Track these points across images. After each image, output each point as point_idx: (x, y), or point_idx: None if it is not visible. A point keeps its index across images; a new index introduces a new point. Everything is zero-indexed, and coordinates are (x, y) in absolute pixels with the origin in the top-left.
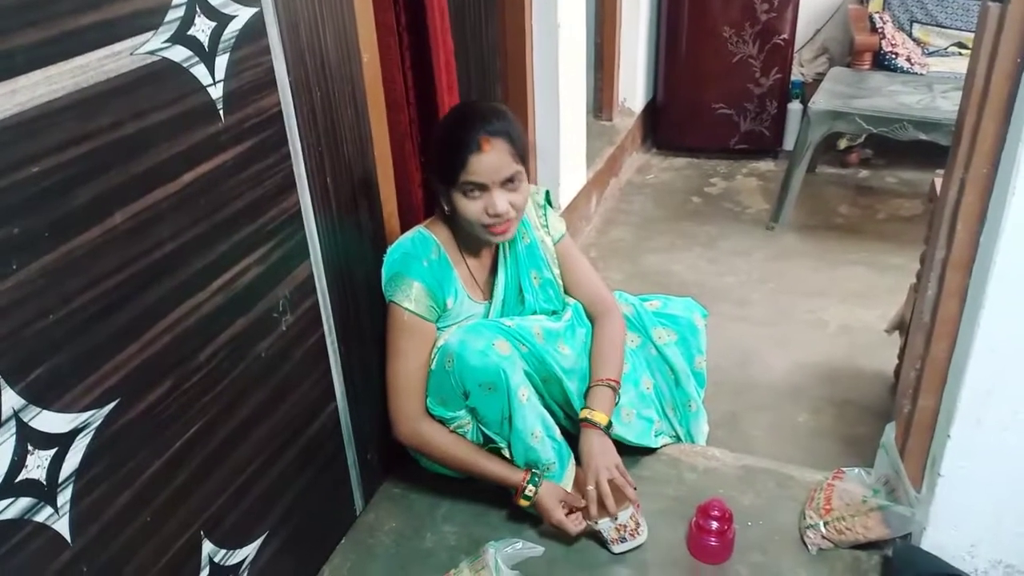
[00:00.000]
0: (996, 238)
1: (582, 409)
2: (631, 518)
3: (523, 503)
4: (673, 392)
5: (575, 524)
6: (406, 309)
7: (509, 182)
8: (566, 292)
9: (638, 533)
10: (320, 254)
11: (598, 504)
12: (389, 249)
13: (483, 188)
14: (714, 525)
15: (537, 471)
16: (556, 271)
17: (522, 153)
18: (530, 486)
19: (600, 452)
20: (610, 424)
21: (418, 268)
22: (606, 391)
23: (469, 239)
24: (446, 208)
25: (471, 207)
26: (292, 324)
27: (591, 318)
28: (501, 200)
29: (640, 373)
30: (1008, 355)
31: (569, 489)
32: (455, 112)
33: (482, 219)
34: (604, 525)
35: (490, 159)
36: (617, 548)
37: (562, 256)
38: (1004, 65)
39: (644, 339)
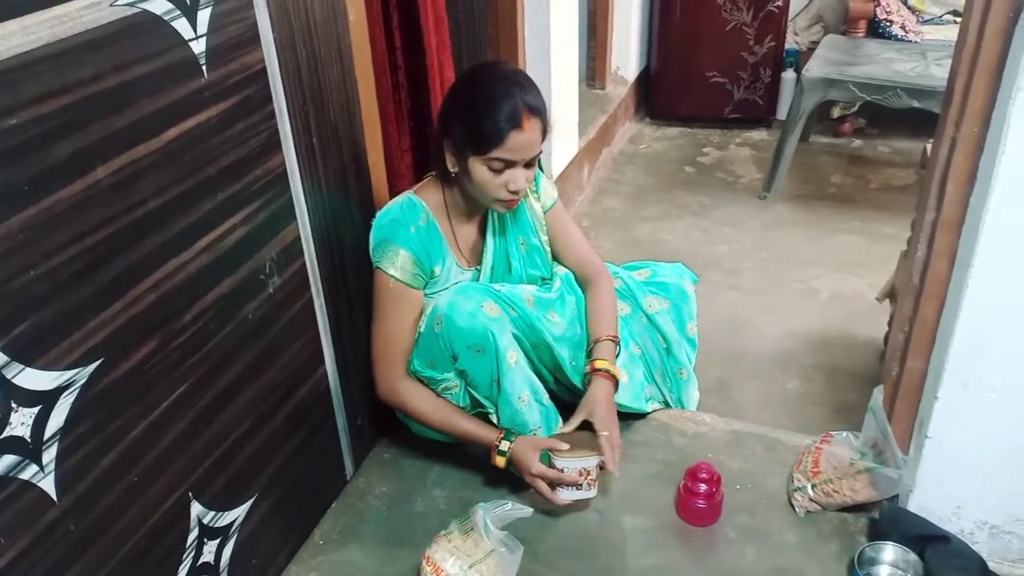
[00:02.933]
0: (986, 197)
1: (595, 360)
2: (595, 467)
3: (499, 460)
4: (664, 360)
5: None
6: (391, 276)
7: (530, 161)
8: (556, 259)
9: (593, 486)
10: (307, 216)
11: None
12: (377, 215)
13: (510, 165)
14: (702, 488)
15: (513, 431)
16: (544, 237)
17: (546, 132)
18: (505, 442)
19: (612, 404)
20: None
21: (405, 235)
22: (610, 345)
23: (462, 203)
24: (453, 169)
25: (492, 180)
26: (279, 287)
27: (581, 284)
28: (522, 177)
29: (629, 339)
30: (996, 316)
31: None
32: (487, 73)
33: (499, 194)
34: (568, 464)
35: (528, 138)
36: (564, 494)
37: (552, 223)
38: (996, 22)
39: (634, 308)
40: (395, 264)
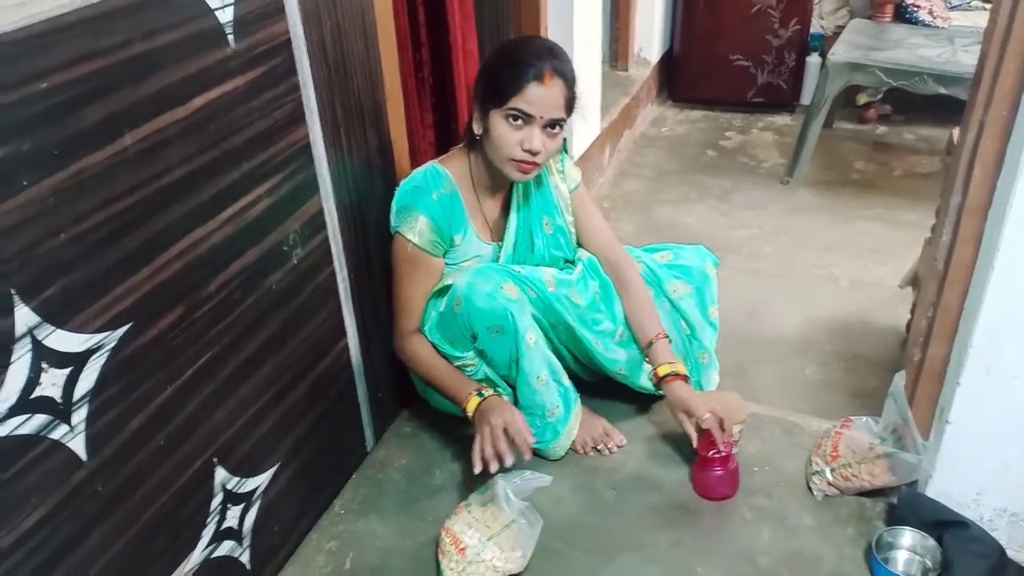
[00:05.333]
0: (1014, 180)
1: (657, 367)
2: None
3: (471, 404)
4: (687, 344)
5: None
6: (409, 241)
7: (551, 126)
8: (578, 243)
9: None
10: (331, 190)
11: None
12: (401, 182)
13: (528, 120)
14: (717, 455)
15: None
16: (569, 219)
17: (571, 103)
18: (479, 395)
19: (694, 393)
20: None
21: (427, 201)
22: (664, 344)
23: (486, 176)
24: (478, 131)
25: (509, 135)
26: (303, 259)
27: (607, 271)
28: (539, 139)
29: None
30: (1020, 301)
31: (574, 434)
32: (521, 39)
33: (514, 152)
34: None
35: (549, 93)
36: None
37: (576, 205)
38: None
39: (658, 292)
40: (414, 229)
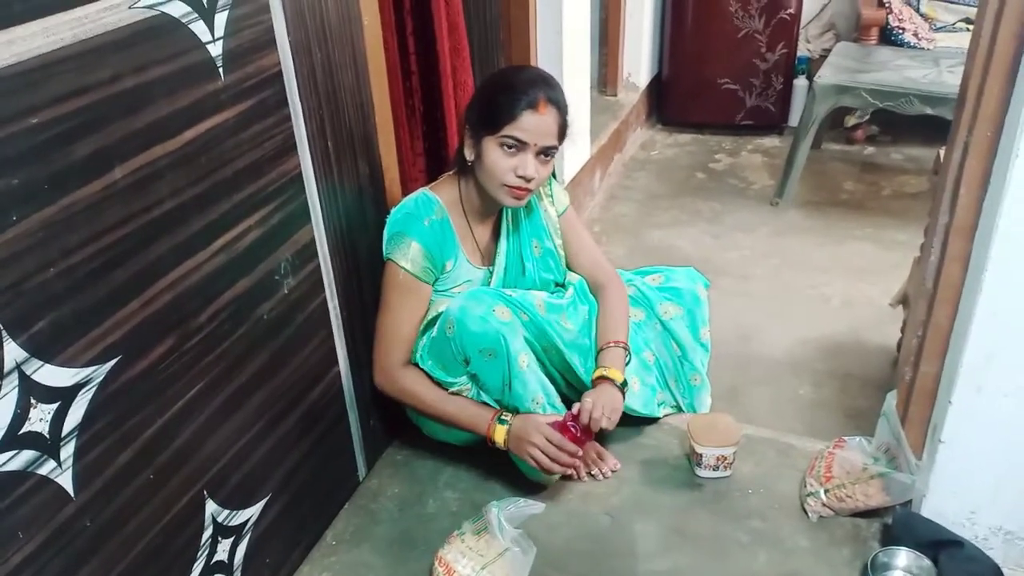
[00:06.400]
0: (999, 201)
1: (597, 368)
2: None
3: (498, 430)
4: (678, 366)
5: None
6: (402, 267)
7: (544, 153)
8: (568, 266)
9: (728, 468)
10: (322, 219)
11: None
12: (392, 210)
13: (522, 148)
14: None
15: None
16: (558, 241)
17: (563, 131)
18: (507, 413)
19: (607, 396)
20: (625, 383)
21: (419, 228)
22: (618, 351)
23: (476, 201)
24: (469, 157)
25: (502, 162)
26: (294, 288)
27: (593, 291)
28: (533, 165)
29: (643, 346)
30: (1010, 320)
31: None
32: (515, 67)
33: (507, 178)
34: (707, 451)
35: (543, 121)
36: (702, 472)
37: (565, 228)
38: (1010, 26)
39: (649, 314)
40: (407, 256)
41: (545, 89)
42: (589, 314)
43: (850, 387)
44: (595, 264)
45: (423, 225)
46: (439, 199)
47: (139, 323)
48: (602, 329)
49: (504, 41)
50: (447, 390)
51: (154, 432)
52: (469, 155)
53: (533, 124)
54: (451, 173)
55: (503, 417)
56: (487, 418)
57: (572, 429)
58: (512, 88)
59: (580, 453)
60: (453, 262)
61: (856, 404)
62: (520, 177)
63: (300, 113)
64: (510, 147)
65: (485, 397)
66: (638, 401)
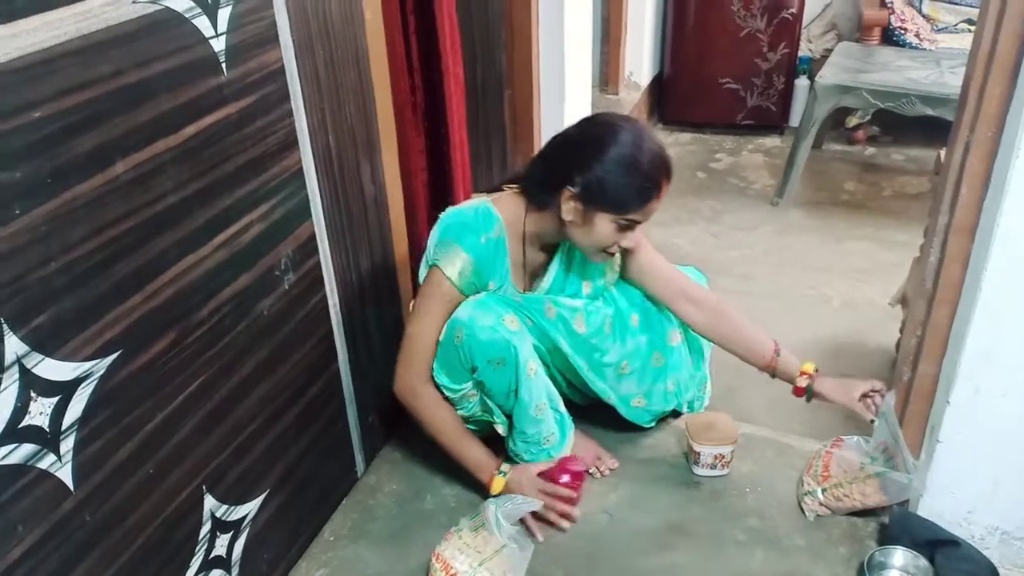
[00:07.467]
0: (1000, 201)
1: (803, 366)
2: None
3: (497, 481)
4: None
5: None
6: (447, 277)
7: None
8: (648, 291)
9: (726, 467)
10: (322, 215)
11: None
12: (448, 211)
13: (634, 224)
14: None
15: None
16: (610, 276)
17: None
18: (506, 464)
19: (835, 382)
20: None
21: (473, 242)
22: (786, 356)
23: (539, 235)
24: (568, 218)
25: (612, 236)
26: (294, 284)
27: (679, 313)
28: (639, 234)
29: (651, 349)
30: (1009, 320)
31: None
32: (637, 137)
33: (611, 248)
34: (704, 449)
35: (662, 202)
36: (699, 471)
37: (628, 256)
38: (1012, 25)
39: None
40: (454, 266)
41: (668, 173)
42: (614, 317)
43: None
44: (675, 288)
45: (478, 240)
46: (500, 217)
47: (140, 318)
48: (747, 347)
49: (506, 41)
50: (454, 398)
51: (154, 426)
52: (569, 216)
53: (655, 207)
54: (516, 192)
55: (503, 469)
56: (490, 471)
57: (563, 476)
58: (639, 172)
59: (575, 496)
60: (497, 284)
61: None
62: (623, 246)
63: (302, 109)
64: (625, 225)
65: (489, 402)
66: (632, 410)
